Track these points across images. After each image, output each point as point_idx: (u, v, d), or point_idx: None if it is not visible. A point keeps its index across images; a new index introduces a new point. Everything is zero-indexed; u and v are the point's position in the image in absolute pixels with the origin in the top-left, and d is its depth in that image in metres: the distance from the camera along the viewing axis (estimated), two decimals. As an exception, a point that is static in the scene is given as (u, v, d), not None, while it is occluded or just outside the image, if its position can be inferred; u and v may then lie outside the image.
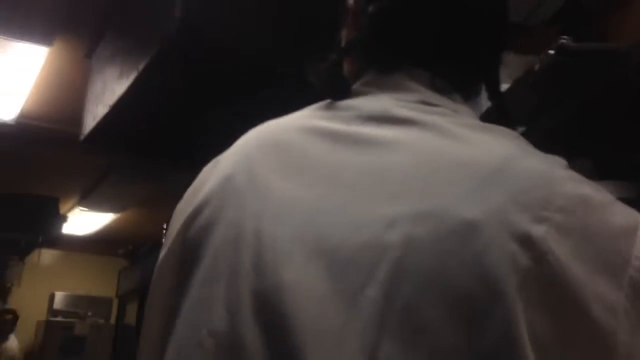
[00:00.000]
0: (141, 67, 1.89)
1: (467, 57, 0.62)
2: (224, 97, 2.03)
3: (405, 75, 0.60)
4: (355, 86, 0.62)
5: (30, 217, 5.38)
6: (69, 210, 6.23)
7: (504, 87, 1.16)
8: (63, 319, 7.24)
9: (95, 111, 2.40)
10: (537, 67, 1.02)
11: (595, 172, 1.09)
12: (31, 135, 4.47)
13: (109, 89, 2.26)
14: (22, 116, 4.14)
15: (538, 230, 0.47)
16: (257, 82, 1.90)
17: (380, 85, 0.60)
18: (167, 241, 0.60)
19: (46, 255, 7.09)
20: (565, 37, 0.97)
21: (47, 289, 7.37)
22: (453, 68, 0.61)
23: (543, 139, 1.16)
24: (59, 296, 7.45)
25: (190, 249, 0.56)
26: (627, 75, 0.93)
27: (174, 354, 0.53)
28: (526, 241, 0.46)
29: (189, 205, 0.58)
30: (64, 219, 5.71)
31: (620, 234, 0.49)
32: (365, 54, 0.64)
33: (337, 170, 0.53)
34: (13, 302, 6.08)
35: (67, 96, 3.72)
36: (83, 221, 6.76)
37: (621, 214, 0.50)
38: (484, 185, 0.49)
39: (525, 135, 1.19)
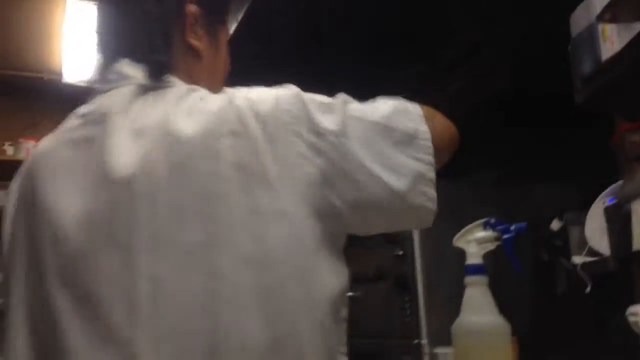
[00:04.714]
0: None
1: (151, 47, 0.77)
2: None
3: (122, 69, 0.77)
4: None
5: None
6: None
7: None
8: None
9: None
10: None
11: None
12: None
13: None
14: None
15: (225, 143, 0.66)
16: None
17: (107, 83, 0.77)
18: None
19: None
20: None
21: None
22: (145, 55, 0.77)
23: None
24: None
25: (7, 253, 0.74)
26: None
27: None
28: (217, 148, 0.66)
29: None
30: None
31: (284, 112, 0.68)
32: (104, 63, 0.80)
33: (79, 166, 0.71)
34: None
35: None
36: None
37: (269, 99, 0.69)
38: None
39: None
